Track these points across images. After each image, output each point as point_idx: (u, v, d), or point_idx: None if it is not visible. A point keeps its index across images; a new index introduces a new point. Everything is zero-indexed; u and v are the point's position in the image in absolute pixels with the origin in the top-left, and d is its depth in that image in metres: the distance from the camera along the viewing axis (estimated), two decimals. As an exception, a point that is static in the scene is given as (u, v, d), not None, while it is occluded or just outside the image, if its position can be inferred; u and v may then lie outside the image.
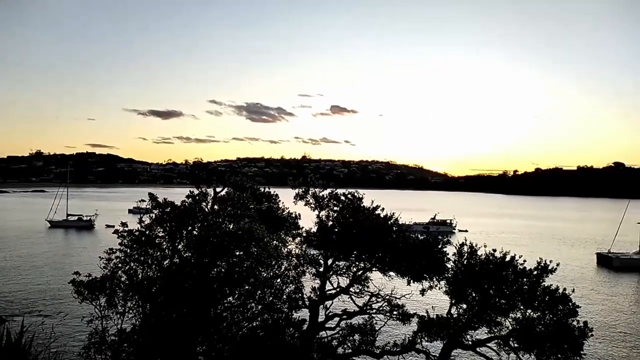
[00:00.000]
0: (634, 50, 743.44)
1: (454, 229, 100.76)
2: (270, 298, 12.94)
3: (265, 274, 13.32)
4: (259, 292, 12.70)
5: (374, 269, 17.79)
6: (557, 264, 14.15)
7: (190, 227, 14.29)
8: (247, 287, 12.61)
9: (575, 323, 13.32)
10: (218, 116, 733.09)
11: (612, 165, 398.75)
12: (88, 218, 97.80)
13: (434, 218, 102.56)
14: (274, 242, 13.92)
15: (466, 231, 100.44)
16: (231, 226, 13.56)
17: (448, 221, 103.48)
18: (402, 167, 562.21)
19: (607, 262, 65.04)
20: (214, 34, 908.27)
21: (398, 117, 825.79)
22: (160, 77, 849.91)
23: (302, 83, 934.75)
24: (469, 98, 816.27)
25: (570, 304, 13.52)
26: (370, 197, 18.33)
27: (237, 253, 12.83)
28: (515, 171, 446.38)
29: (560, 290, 13.70)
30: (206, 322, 12.96)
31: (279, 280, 13.38)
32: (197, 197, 15.49)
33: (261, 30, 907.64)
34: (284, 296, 13.63)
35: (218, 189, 17.28)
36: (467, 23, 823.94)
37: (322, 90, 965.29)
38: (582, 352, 13.06)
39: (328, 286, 18.14)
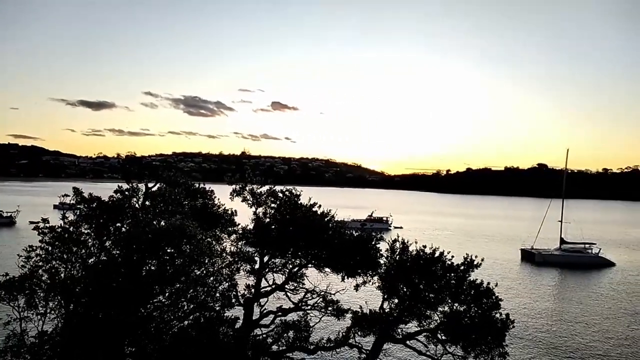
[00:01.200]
0: (560, 57, 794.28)
1: (390, 226, 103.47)
2: (203, 296, 12.66)
3: (198, 272, 13.04)
4: (191, 290, 12.40)
5: (310, 265, 17.91)
6: (482, 259, 14.85)
7: (118, 224, 13.72)
8: (178, 285, 12.28)
9: (498, 315, 14.08)
10: (154, 109, 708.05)
11: (536, 166, 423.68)
12: (9, 214, 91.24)
13: (371, 215, 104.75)
14: (208, 239, 13.63)
15: (401, 228, 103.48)
16: (162, 223, 13.13)
17: (384, 218, 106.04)
18: (341, 165, 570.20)
19: (530, 257, 69.17)
20: (150, 24, 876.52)
21: (338, 116, 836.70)
22: (91, 66, 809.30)
23: (243, 78, 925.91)
24: (407, 99, 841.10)
25: (494, 297, 14.27)
26: (309, 194, 18.40)
27: (168, 251, 12.46)
28: (448, 171, 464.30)
29: (485, 285, 14.42)
30: (135, 322, 12.50)
31: (212, 278, 13.11)
32: (127, 193, 14.90)
33: (201, 22, 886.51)
34: (217, 294, 13.39)
35: (150, 184, 16.70)
36: (409, 25, 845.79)
37: (263, 86, 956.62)
38: (504, 342, 13.84)
39: (263, 283, 18.06)
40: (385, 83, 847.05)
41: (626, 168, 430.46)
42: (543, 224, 75.48)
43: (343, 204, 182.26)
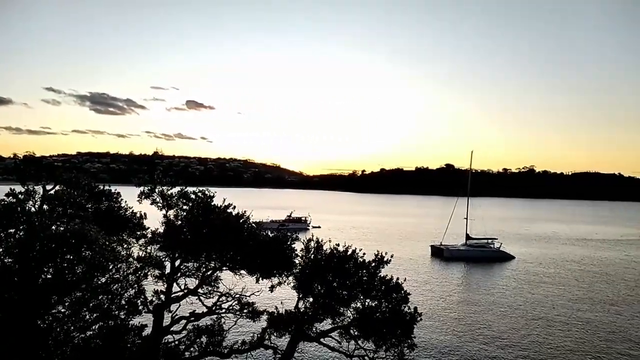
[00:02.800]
0: (469, 59, 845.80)
1: (309, 226, 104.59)
2: (107, 304, 11.95)
3: (102, 279, 12.29)
4: (94, 299, 11.65)
5: (224, 268, 17.55)
6: (392, 256, 15.43)
7: (11, 230, 12.57)
8: (79, 294, 11.48)
9: (407, 309, 14.71)
10: (56, 105, 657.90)
11: (444, 166, 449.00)
12: None
13: (289, 216, 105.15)
14: (112, 244, 12.88)
15: (319, 227, 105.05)
16: (61, 228, 12.22)
17: (303, 218, 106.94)
18: (260, 165, 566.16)
19: (439, 253, 73.16)
20: (52, 12, 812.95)
21: (257, 116, 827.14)
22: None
23: (156, 75, 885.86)
24: (324, 101, 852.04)
25: (403, 292, 14.89)
26: (225, 196, 18.03)
27: (67, 257, 11.60)
28: (363, 171, 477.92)
29: (395, 280, 15.00)
30: (31, 335, 11.53)
31: (117, 285, 12.41)
32: (21, 196, 13.70)
33: (109, 14, 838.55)
34: (123, 301, 12.69)
35: (48, 187, 15.48)
36: (328, 26, 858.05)
37: (177, 84, 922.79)
38: (412, 334, 14.49)
39: (175, 288, 17.42)
40: (303, 84, 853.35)
41: (523, 168, 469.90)
42: (451, 221, 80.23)
43: (262, 205, 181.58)
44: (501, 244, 76.36)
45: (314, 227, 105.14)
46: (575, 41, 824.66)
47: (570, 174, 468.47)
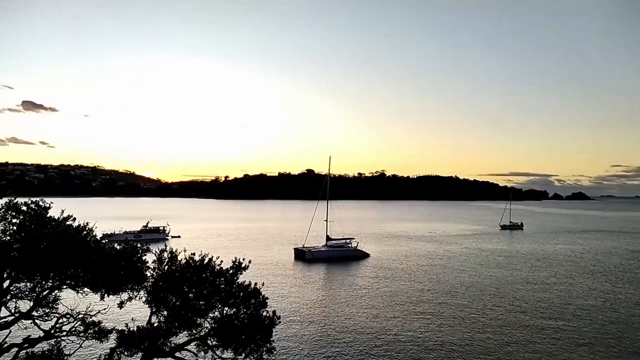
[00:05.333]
0: (332, 64, 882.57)
1: (167, 236, 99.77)
2: None
3: None
4: None
5: (63, 287, 15.81)
6: (250, 261, 15.34)
7: None
8: None
9: (266, 313, 14.73)
10: None
11: (305, 171, 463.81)
12: None
13: (146, 225, 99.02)
14: None
15: (179, 237, 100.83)
16: None
17: (161, 228, 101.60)
18: (111, 172, 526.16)
19: (302, 255, 75.11)
20: None
21: (107, 119, 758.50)
22: None
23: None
24: (182, 103, 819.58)
25: (261, 296, 14.87)
26: (73, 206, 16.30)
27: None
28: (226, 177, 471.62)
29: (253, 285, 14.92)
30: None
31: None
32: None
33: None
34: None
35: None
36: (183, 26, 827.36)
37: (10, 82, 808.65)
38: (271, 338, 14.54)
39: (4, 312, 15.25)
40: (156, 85, 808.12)
41: (376, 172, 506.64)
42: (312, 223, 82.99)
43: (115, 215, 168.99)
44: (358, 243, 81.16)
45: (173, 236, 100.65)
46: (424, 47, 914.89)
47: (415, 177, 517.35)
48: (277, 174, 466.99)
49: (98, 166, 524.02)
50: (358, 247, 79.74)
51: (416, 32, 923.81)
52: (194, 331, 14.55)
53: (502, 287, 52.99)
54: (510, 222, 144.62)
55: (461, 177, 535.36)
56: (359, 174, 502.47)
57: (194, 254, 14.82)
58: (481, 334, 35.51)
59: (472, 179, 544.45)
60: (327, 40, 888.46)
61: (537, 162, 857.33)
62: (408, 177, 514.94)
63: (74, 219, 15.79)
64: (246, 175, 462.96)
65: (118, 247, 15.61)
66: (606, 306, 44.63)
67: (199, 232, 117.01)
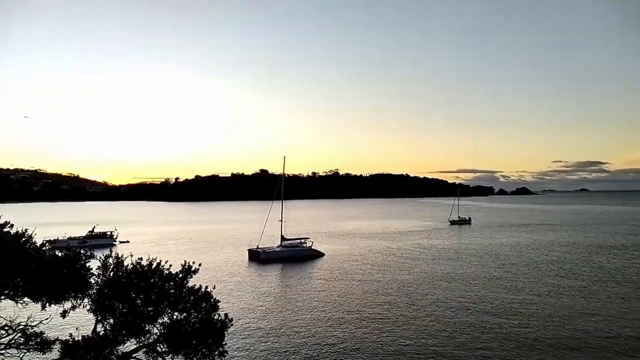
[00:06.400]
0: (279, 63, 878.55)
1: (115, 241, 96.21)
2: None
3: None
4: None
5: (2, 297, 14.99)
6: (200, 264, 15.09)
7: None
8: None
9: (217, 317, 14.52)
10: None
11: (259, 172, 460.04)
12: None
13: (92, 231, 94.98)
14: None
15: (128, 242, 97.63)
16: None
17: (108, 233, 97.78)
18: (53, 176, 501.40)
19: (256, 256, 74.47)
20: None
21: (49, 120, 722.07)
22: None
23: None
24: (129, 104, 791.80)
25: (212, 300, 14.66)
26: (12, 212, 15.49)
27: None
28: (177, 179, 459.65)
29: (204, 289, 14.68)
30: None
31: None
32: None
33: None
34: None
35: None
36: (132, 27, 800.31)
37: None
38: (223, 342, 14.35)
39: None
40: (101, 86, 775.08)
41: (330, 171, 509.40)
42: (266, 224, 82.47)
43: (59, 221, 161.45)
44: (312, 242, 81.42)
45: (121, 242, 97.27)
46: (375, 45, 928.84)
47: (368, 175, 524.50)
48: (229, 175, 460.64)
49: (40, 170, 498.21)
50: (313, 247, 80.00)
51: (365, 30, 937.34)
52: (142, 338, 14.15)
53: (453, 281, 54.63)
54: (459, 217, 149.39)
55: (412, 175, 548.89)
56: (313, 173, 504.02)
57: (141, 258, 14.41)
58: (434, 328, 36.47)
59: (422, 177, 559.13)
60: (276, 39, 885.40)
61: (483, 160, 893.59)
62: (361, 175, 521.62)
63: (12, 225, 15.00)
64: (197, 177, 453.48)
65: (60, 254, 14.95)
66: (551, 294, 46.93)
67: (149, 236, 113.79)
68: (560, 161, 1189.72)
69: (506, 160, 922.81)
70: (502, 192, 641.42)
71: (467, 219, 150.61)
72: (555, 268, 63.44)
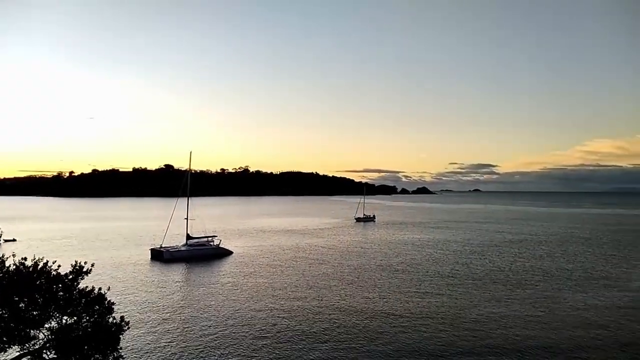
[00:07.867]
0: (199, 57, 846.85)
1: (0, 240, 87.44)
2: None
3: None
4: None
5: None
6: (93, 264, 14.17)
7: None
8: None
9: (112, 320, 13.72)
10: None
11: (164, 167, 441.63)
12: None
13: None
14: None
15: (14, 241, 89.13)
16: None
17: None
18: None
19: (159, 256, 71.29)
20: None
21: None
22: None
23: None
24: (15, 93, 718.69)
25: (107, 302, 13.84)
26: None
27: None
28: (71, 172, 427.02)
29: (97, 291, 13.82)
30: None
31: None
32: None
33: None
34: None
35: None
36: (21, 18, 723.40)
37: None
38: (118, 345, 13.59)
39: None
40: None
41: (239, 168, 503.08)
42: (171, 222, 79.49)
43: None
44: (220, 240, 79.80)
45: (6, 240, 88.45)
46: (286, 44, 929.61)
47: (278, 173, 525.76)
48: (131, 169, 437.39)
49: None
50: (220, 245, 78.36)
51: (278, 29, 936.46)
52: (26, 345, 12.99)
53: (361, 275, 56.65)
54: (364, 214, 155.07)
55: (321, 174, 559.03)
56: (222, 169, 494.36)
57: (25, 259, 13.22)
58: (342, 321, 37.43)
59: (331, 175, 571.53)
60: (185, 38, 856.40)
61: (387, 160, 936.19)
62: (272, 173, 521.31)
63: None
64: (95, 171, 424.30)
65: None
66: (447, 285, 50.27)
67: (38, 234, 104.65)
68: (455, 163, 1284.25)
69: (408, 161, 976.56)
70: (404, 192, 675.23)
71: (371, 216, 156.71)
72: (452, 260, 68.11)
